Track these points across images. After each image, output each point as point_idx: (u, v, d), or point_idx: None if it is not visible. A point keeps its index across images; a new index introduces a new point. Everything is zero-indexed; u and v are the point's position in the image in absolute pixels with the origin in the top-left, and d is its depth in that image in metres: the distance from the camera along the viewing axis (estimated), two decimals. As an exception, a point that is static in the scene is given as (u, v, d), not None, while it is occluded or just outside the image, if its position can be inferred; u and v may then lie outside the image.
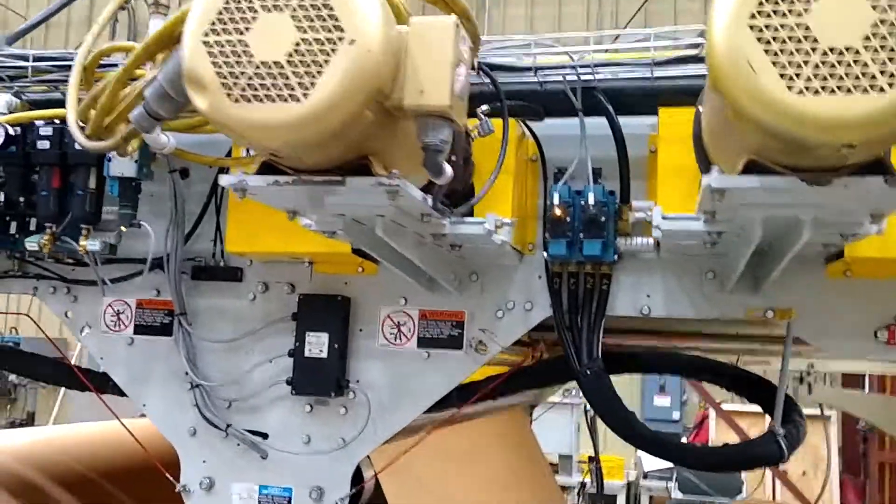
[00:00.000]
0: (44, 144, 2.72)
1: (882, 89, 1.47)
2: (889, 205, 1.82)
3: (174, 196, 3.07)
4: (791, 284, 2.76)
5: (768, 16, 1.52)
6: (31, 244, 2.79)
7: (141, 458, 3.24)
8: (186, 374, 3.09)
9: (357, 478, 3.06)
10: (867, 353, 2.72)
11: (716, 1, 1.57)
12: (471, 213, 2.58)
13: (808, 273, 2.74)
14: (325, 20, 1.69)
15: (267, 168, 1.98)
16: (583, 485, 8.83)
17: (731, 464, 2.84)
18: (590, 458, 9.01)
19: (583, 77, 2.63)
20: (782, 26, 1.51)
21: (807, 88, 1.50)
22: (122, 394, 3.26)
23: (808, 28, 1.50)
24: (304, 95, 1.69)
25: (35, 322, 3.59)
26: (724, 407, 11.24)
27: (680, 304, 2.85)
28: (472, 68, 2.47)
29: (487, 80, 2.63)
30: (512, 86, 2.74)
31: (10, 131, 2.72)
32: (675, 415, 13.23)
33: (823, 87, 1.49)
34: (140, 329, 3.22)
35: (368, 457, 3.17)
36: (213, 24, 1.74)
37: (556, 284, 2.86)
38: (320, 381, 2.98)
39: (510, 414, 6.46)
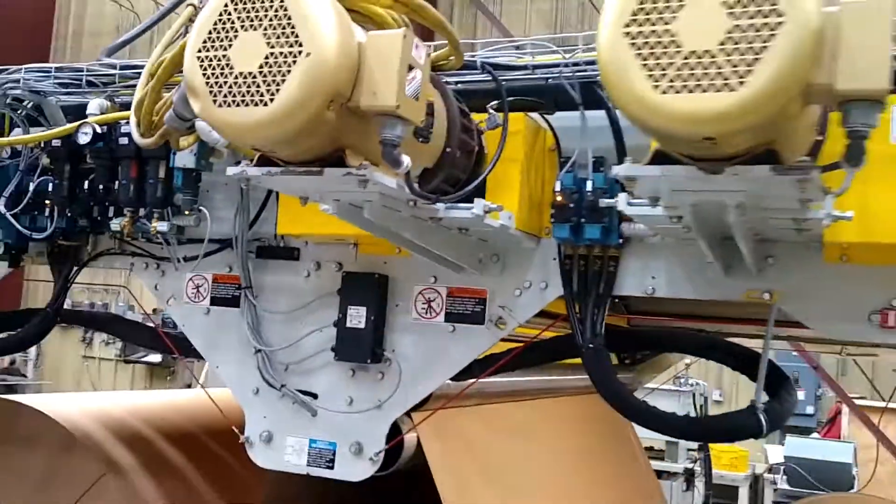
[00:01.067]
0: (123, 140, 3.21)
1: (733, 88, 1.65)
2: (783, 190, 1.97)
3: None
4: (790, 268, 2.87)
5: (640, 24, 1.72)
6: (115, 226, 3.30)
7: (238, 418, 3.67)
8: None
9: (395, 437, 3.42)
10: (861, 335, 2.80)
11: (602, 10, 1.79)
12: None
13: (808, 258, 2.84)
14: (288, 36, 2.03)
15: (265, 161, 2.34)
16: (690, 472, 8.83)
17: (709, 434, 2.99)
18: (699, 446, 9.01)
19: (578, 73, 2.85)
20: (652, 32, 1.71)
21: (670, 88, 1.70)
22: (201, 357, 3.75)
23: (673, 34, 1.70)
24: (271, 100, 2.04)
25: (132, 294, 4.14)
26: (859, 403, 10.87)
27: (682, 286, 3.01)
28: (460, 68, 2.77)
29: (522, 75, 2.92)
30: (525, 82, 3.00)
31: (98, 130, 3.23)
32: (809, 409, 12.85)
33: (684, 87, 1.69)
34: (215, 301, 3.69)
35: (411, 418, 3.51)
36: (204, 41, 2.11)
37: (567, 266, 3.09)
38: (359, 349, 3.34)
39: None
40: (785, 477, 8.81)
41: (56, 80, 3.60)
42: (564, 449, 5.44)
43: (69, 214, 3.51)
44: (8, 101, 3.64)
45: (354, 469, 3.38)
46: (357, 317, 3.35)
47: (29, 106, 3.66)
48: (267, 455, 3.52)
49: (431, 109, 2.46)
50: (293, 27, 2.03)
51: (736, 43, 1.66)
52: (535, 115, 3.12)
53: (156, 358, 15.05)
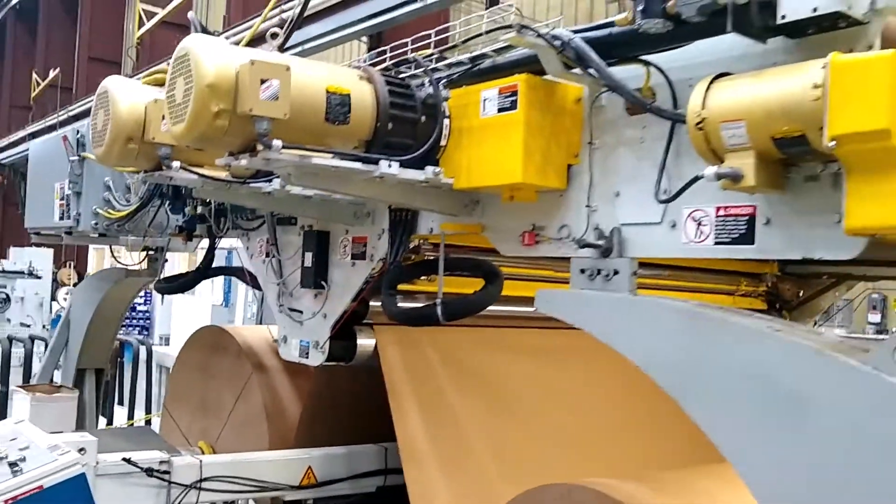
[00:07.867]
0: (181, 160, 5.45)
1: (182, 121, 3.25)
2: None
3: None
4: (487, 208, 4.05)
5: (167, 91, 3.41)
6: (187, 211, 5.58)
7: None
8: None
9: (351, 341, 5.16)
10: (517, 252, 3.87)
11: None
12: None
13: (497, 200, 3.99)
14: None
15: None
16: None
17: (404, 317, 4.15)
18: None
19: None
20: (168, 95, 3.39)
21: (174, 124, 3.35)
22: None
23: (174, 96, 3.35)
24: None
25: (239, 253, 6.40)
26: None
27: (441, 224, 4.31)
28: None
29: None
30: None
31: (172, 155, 5.53)
32: None
33: (178, 121, 3.33)
34: (267, 253, 5.76)
35: (374, 330, 5.21)
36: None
37: (392, 216, 4.56)
38: (310, 280, 5.16)
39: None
40: None
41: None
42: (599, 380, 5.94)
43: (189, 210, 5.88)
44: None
45: (315, 358, 5.21)
46: (308, 259, 5.18)
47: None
48: (283, 351, 5.51)
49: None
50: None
51: (185, 97, 3.27)
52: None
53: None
